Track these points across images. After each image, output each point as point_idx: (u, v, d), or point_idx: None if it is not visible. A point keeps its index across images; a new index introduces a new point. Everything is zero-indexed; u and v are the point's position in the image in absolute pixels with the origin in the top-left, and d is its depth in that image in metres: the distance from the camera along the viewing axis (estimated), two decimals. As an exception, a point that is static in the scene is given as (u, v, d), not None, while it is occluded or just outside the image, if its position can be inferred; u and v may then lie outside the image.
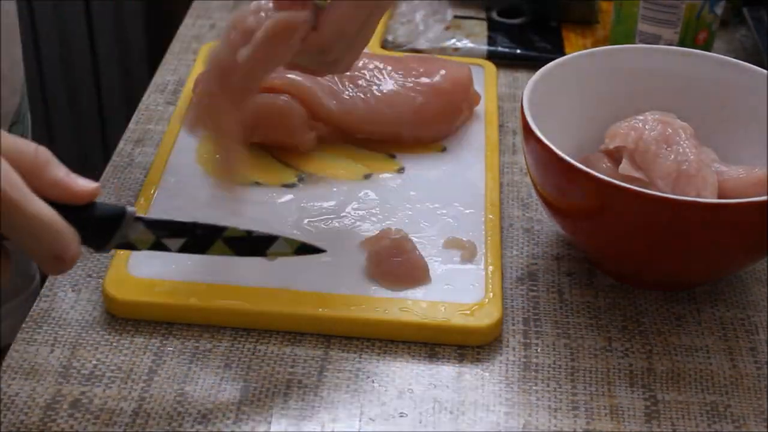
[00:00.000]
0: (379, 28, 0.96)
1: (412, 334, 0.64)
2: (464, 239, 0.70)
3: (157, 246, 0.58)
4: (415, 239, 0.69)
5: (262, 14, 0.65)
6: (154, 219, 0.58)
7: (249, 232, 0.60)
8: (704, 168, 0.67)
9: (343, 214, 0.72)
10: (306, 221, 0.72)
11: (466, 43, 0.96)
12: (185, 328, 0.65)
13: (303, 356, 0.63)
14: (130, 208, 0.57)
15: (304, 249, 0.62)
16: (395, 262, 0.67)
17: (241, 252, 0.60)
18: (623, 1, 0.92)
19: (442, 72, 0.81)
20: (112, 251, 0.69)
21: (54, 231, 0.52)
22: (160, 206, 0.72)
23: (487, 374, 0.63)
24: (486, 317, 0.64)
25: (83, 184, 0.55)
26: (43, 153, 0.54)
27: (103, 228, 0.56)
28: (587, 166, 0.63)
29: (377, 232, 0.69)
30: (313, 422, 0.59)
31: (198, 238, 0.59)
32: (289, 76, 0.78)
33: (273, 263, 0.67)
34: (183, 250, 0.59)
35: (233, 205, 0.71)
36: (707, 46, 0.92)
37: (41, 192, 0.53)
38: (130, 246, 0.58)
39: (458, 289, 0.66)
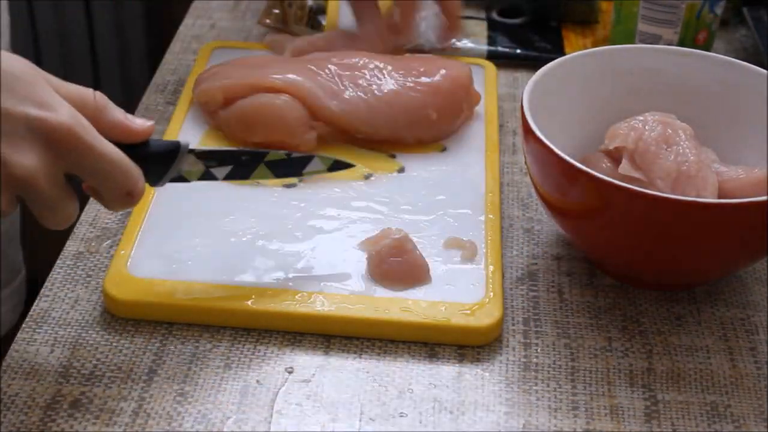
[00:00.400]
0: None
1: (412, 333, 0.64)
2: (464, 239, 0.70)
3: (206, 176, 0.63)
4: (415, 239, 0.69)
5: None
6: (204, 150, 0.63)
7: (288, 154, 0.66)
8: (704, 168, 0.67)
9: (344, 214, 0.72)
10: (307, 221, 0.72)
11: (466, 43, 0.96)
12: (185, 328, 0.65)
13: (303, 356, 0.63)
14: (183, 142, 0.62)
15: (337, 165, 0.68)
16: (396, 262, 0.67)
17: (281, 173, 0.66)
18: (623, 1, 0.92)
19: (443, 71, 0.81)
20: (112, 255, 0.69)
21: (123, 169, 0.57)
22: (161, 206, 0.72)
23: (487, 374, 0.63)
24: (486, 317, 0.64)
25: (140, 123, 0.59)
26: (101, 97, 0.58)
27: (160, 162, 0.61)
28: (587, 166, 0.63)
29: (377, 232, 0.69)
30: (313, 422, 0.59)
31: (242, 164, 0.64)
32: (289, 76, 0.78)
33: (272, 263, 0.67)
34: (228, 177, 0.64)
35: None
36: (707, 46, 0.92)
37: (103, 132, 0.57)
38: (181, 179, 0.62)
39: (458, 288, 0.66)
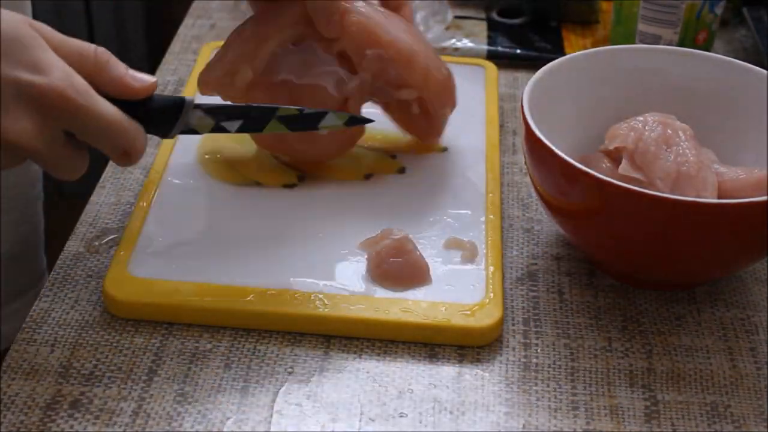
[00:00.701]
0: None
1: (412, 334, 0.64)
2: (465, 240, 0.70)
3: (217, 129, 0.63)
4: (415, 240, 0.69)
5: None
6: (212, 105, 0.63)
7: (300, 110, 0.64)
8: (704, 169, 0.67)
9: (344, 214, 0.72)
10: (307, 221, 0.72)
11: (466, 43, 0.96)
12: (185, 328, 0.65)
13: (303, 356, 0.63)
14: (188, 98, 0.62)
15: (353, 120, 0.66)
16: (396, 263, 0.67)
17: (295, 127, 0.64)
18: (623, 1, 0.92)
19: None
20: (112, 255, 0.69)
21: (121, 129, 0.57)
22: (161, 206, 0.72)
23: (487, 374, 0.63)
24: (486, 317, 0.64)
25: (142, 79, 0.60)
26: (103, 53, 0.58)
27: (166, 117, 0.61)
28: (587, 166, 0.63)
29: (378, 232, 0.69)
30: (313, 422, 0.59)
31: (253, 119, 0.64)
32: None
33: (272, 263, 0.67)
34: (241, 130, 0.63)
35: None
36: (707, 46, 0.92)
37: (104, 89, 0.57)
38: (193, 131, 0.62)
39: (459, 289, 0.66)
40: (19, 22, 0.56)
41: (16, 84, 0.54)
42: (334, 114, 0.65)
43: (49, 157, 0.57)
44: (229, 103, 0.63)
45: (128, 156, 0.59)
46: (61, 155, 0.57)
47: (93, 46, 0.58)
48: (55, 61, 0.56)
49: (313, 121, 0.65)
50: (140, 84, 0.59)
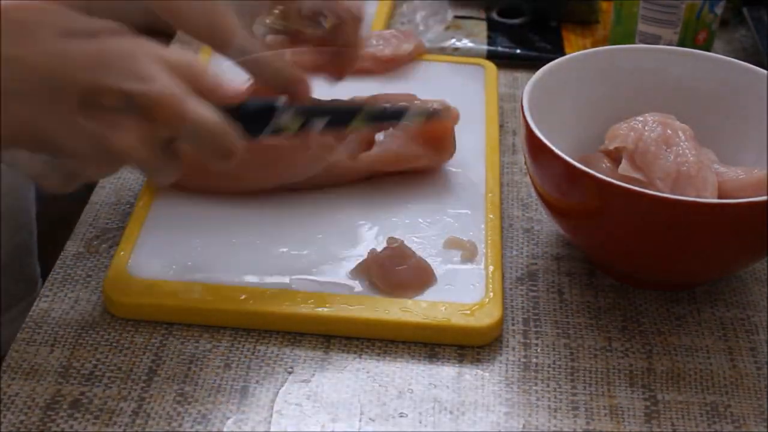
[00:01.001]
0: (381, 29, 0.96)
1: (412, 334, 0.64)
2: (465, 239, 0.70)
3: (304, 127, 0.64)
4: (415, 239, 0.69)
5: None
6: (302, 106, 0.64)
7: (384, 107, 0.67)
8: (704, 169, 0.67)
9: (344, 214, 0.72)
10: (307, 222, 0.71)
11: (466, 43, 0.96)
12: (185, 328, 0.65)
13: (303, 356, 0.63)
14: (280, 99, 0.63)
15: (433, 114, 0.69)
16: (402, 271, 0.66)
17: (379, 122, 0.69)
18: (623, 1, 0.92)
19: None
20: (112, 255, 0.69)
21: (220, 133, 0.58)
22: (162, 207, 0.72)
23: (487, 374, 0.63)
24: (486, 317, 0.64)
25: (235, 87, 0.61)
26: (199, 62, 0.60)
27: (257, 120, 0.62)
28: (587, 166, 0.63)
29: (367, 254, 0.68)
30: (313, 422, 0.59)
31: (340, 113, 0.65)
32: None
33: (272, 264, 0.67)
34: (327, 126, 0.65)
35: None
36: (707, 46, 0.92)
37: (200, 96, 0.58)
38: (280, 131, 0.63)
39: (459, 289, 0.66)
40: (128, 39, 0.57)
41: (125, 94, 0.55)
42: (417, 109, 0.67)
43: (152, 164, 0.58)
44: (319, 100, 0.66)
45: (227, 157, 0.60)
46: (159, 163, 0.58)
47: (191, 54, 0.60)
48: (158, 71, 0.57)
49: (396, 116, 0.67)
50: (234, 92, 0.61)
